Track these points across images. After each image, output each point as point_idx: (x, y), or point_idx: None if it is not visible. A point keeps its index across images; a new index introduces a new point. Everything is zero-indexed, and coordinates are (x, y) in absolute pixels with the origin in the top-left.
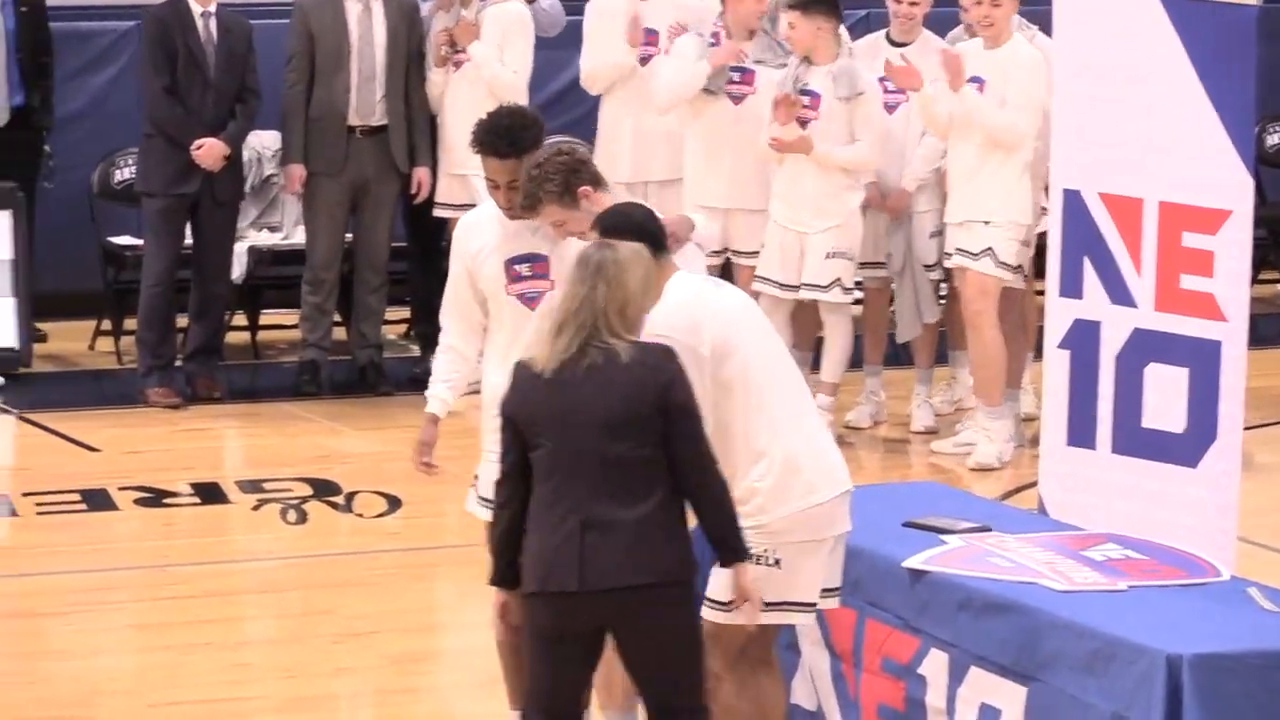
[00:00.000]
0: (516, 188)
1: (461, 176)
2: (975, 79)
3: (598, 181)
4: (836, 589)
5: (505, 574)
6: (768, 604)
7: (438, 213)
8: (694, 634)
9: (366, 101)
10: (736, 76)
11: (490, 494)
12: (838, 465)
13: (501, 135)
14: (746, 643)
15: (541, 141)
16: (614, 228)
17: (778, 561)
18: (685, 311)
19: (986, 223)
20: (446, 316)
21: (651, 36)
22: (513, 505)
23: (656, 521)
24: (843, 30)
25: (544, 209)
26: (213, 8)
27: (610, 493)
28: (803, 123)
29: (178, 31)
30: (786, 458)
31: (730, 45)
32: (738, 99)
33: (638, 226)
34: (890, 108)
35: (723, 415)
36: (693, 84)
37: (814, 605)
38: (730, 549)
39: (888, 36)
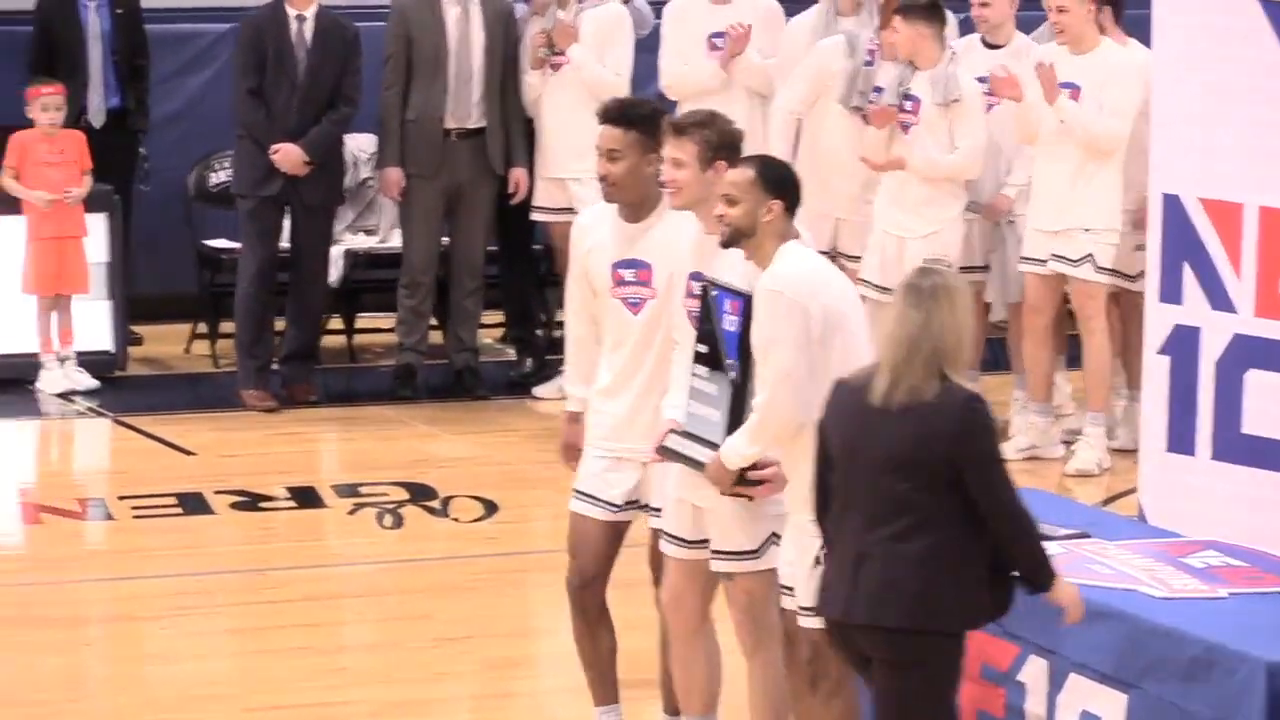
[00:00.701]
0: (616, 159)
1: (559, 180)
2: (1068, 84)
3: (732, 168)
4: None
5: None
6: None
7: (535, 216)
8: (944, 691)
9: (463, 104)
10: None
11: (588, 488)
12: None
13: (618, 104)
14: None
15: (660, 128)
16: (773, 173)
17: None
18: (808, 276)
19: (1086, 230)
20: (570, 313)
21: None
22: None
23: (933, 566)
24: (949, 33)
25: (680, 142)
26: (309, 11)
27: (890, 529)
28: (904, 128)
29: (270, 34)
30: None
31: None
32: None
33: (792, 182)
34: (987, 108)
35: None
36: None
37: None
38: (1040, 584)
39: (982, 39)
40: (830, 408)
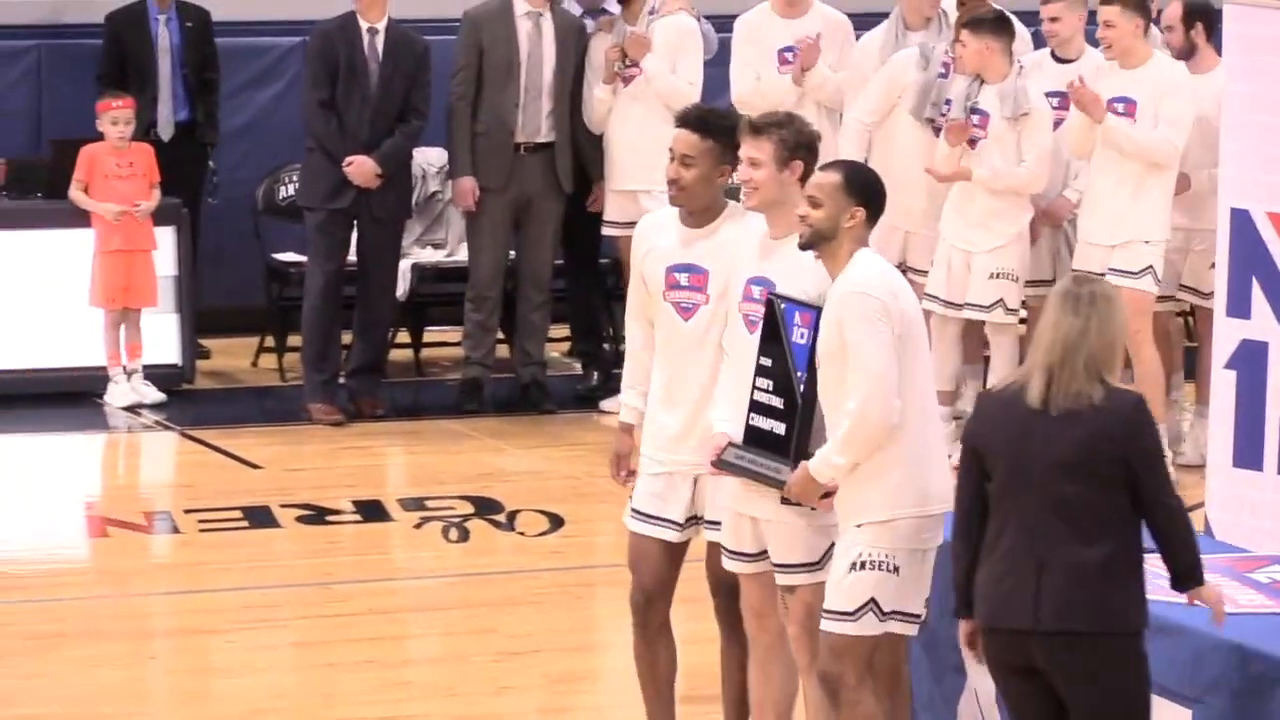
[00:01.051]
0: (689, 164)
1: (630, 193)
2: (1123, 99)
3: (808, 173)
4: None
5: (966, 608)
6: (886, 612)
7: (606, 231)
8: (1142, 689)
9: (533, 118)
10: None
11: (645, 507)
12: (949, 482)
13: (699, 111)
14: (874, 654)
15: (735, 137)
16: (860, 179)
17: (896, 569)
18: (889, 280)
19: (1147, 242)
20: (630, 320)
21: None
22: (973, 539)
23: (1114, 569)
24: (1019, 47)
25: (758, 141)
26: (382, 24)
27: (1067, 534)
28: (972, 142)
29: (342, 46)
30: (918, 457)
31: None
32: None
33: (878, 190)
34: (1055, 123)
35: None
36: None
37: (922, 617)
38: (1192, 582)
39: (1052, 53)
40: (982, 421)
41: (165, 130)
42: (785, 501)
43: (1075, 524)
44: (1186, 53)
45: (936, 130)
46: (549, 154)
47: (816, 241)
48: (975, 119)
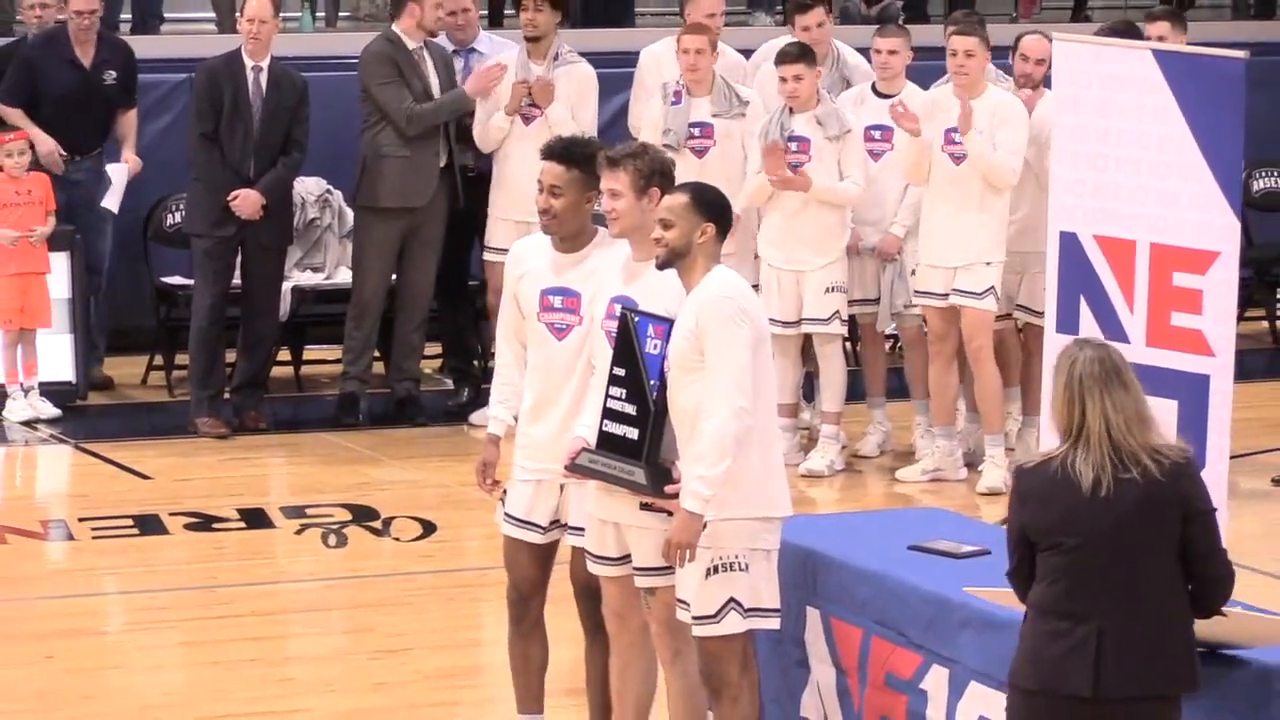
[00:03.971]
0: (558, 194)
1: (519, 223)
2: (956, 129)
3: (666, 196)
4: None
5: None
6: (748, 609)
7: (487, 256)
8: None
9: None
10: (696, 132)
11: (516, 511)
12: (787, 491)
13: (562, 142)
14: (746, 649)
15: (595, 166)
16: (707, 198)
17: (746, 567)
18: (745, 291)
19: (988, 263)
20: (500, 339)
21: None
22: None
23: (1171, 632)
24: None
25: (615, 173)
26: (265, 62)
27: (1128, 601)
28: (792, 167)
29: (227, 82)
30: (765, 461)
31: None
32: (700, 153)
33: (724, 207)
34: (875, 155)
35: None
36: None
37: (780, 610)
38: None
39: (873, 88)
40: (1033, 500)
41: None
42: (644, 507)
43: (1138, 590)
44: (1045, 83)
45: (695, 152)
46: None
47: (673, 260)
48: (794, 145)
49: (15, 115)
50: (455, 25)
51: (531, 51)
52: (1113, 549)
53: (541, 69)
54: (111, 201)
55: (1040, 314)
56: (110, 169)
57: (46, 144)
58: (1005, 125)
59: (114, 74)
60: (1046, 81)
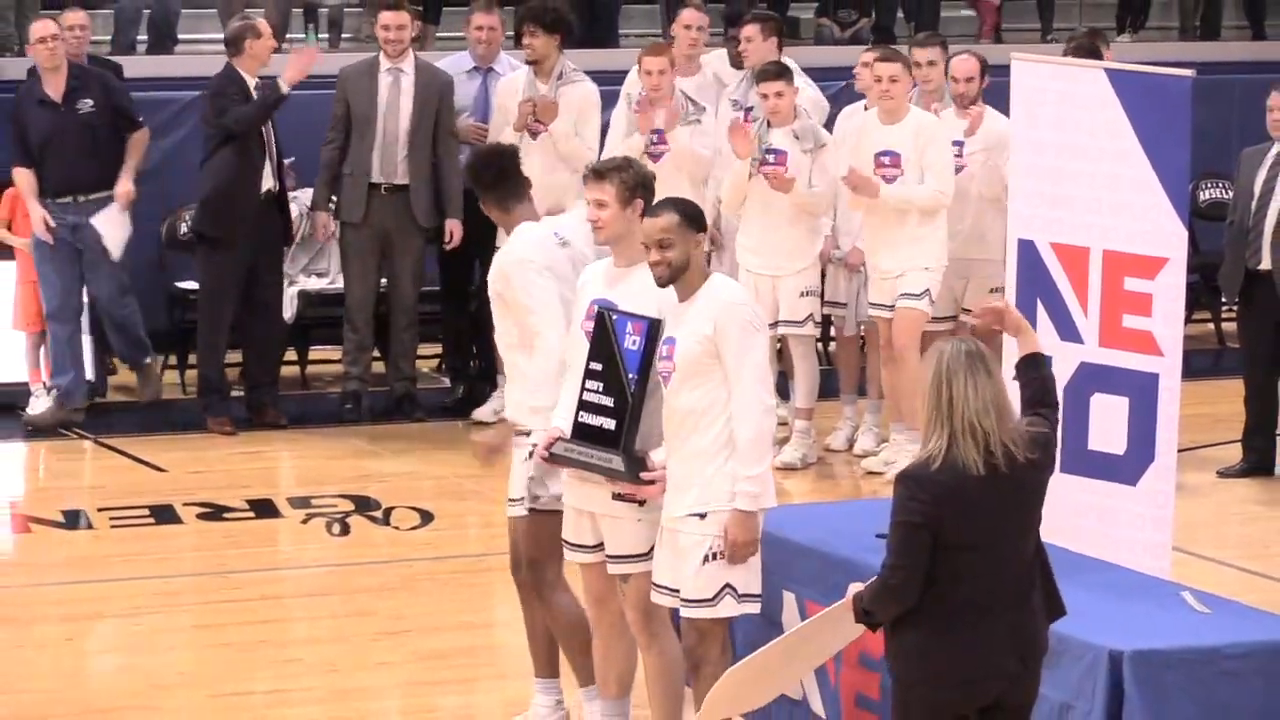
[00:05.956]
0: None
1: None
2: (889, 152)
3: (647, 208)
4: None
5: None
6: (742, 594)
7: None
8: None
9: (389, 162)
10: (654, 139)
11: (511, 493)
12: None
13: (610, 162)
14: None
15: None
16: (691, 212)
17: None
18: (750, 297)
19: (926, 269)
20: (569, 351)
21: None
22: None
23: (1041, 607)
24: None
25: (602, 185)
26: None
27: (1024, 587)
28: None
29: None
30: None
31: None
32: (655, 158)
33: (702, 216)
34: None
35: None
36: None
37: (762, 595)
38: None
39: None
40: (935, 499)
41: None
42: (617, 498)
43: (1030, 576)
44: (972, 101)
45: (652, 157)
46: (405, 194)
47: (676, 276)
48: (772, 158)
49: (24, 181)
50: (481, 41)
51: (537, 72)
52: (1010, 538)
53: (546, 88)
54: (113, 246)
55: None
56: (95, 220)
57: (35, 213)
58: (931, 145)
59: (90, 103)
60: (989, 97)
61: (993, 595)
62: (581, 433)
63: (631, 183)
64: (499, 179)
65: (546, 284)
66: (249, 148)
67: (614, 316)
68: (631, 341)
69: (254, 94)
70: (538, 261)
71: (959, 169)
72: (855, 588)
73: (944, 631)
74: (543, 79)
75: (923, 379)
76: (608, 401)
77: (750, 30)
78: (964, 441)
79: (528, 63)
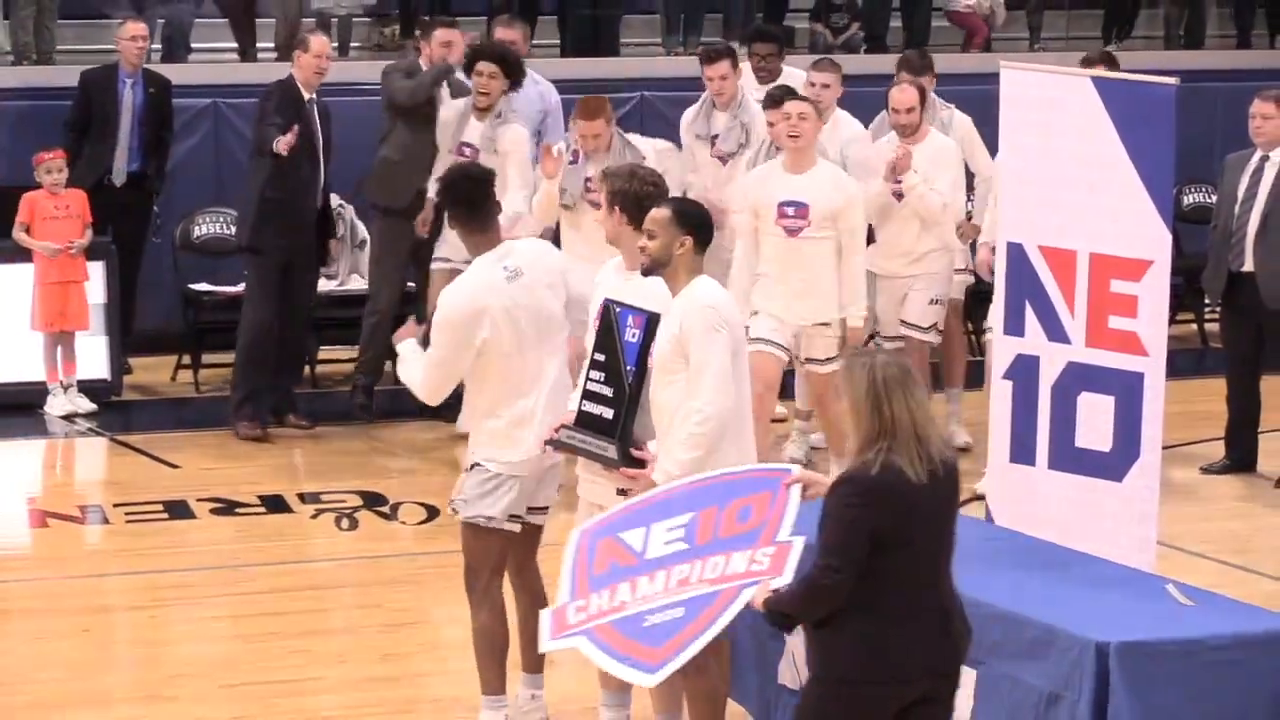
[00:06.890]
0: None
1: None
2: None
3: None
4: None
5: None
6: None
7: (435, 266)
8: None
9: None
10: (593, 185)
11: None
12: None
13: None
14: None
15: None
16: (687, 212)
17: None
18: (725, 300)
19: (826, 324)
20: None
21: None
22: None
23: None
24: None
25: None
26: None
27: (951, 585)
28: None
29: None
30: (741, 452)
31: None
32: (597, 205)
33: (704, 222)
34: None
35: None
36: (549, 206)
37: None
38: None
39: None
40: (877, 500)
41: (118, 177)
42: (621, 493)
43: (952, 573)
44: (914, 131)
45: (594, 204)
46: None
47: (655, 268)
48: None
49: None
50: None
51: (481, 113)
52: (946, 537)
53: (484, 125)
54: None
55: (921, 329)
56: None
57: None
58: (940, 169)
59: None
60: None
61: (934, 593)
62: (582, 420)
63: (609, 190)
64: (470, 205)
65: (459, 337)
66: (299, 162)
67: (618, 309)
68: (631, 334)
69: (306, 106)
70: (465, 310)
71: (899, 197)
72: (754, 594)
73: (890, 626)
74: (480, 117)
75: (846, 391)
76: (608, 391)
77: (724, 67)
78: (909, 449)
79: (477, 108)
